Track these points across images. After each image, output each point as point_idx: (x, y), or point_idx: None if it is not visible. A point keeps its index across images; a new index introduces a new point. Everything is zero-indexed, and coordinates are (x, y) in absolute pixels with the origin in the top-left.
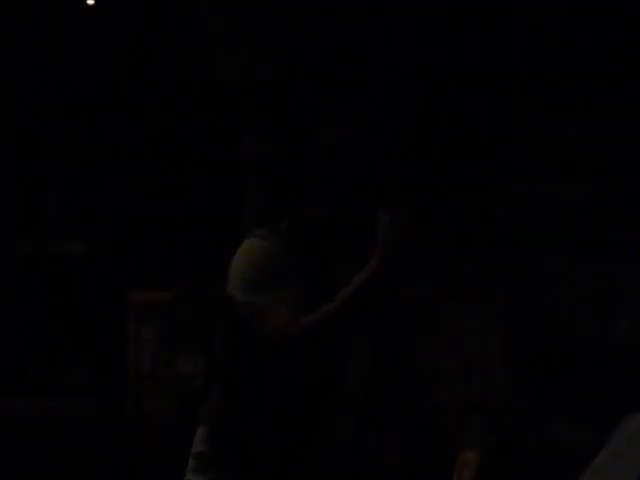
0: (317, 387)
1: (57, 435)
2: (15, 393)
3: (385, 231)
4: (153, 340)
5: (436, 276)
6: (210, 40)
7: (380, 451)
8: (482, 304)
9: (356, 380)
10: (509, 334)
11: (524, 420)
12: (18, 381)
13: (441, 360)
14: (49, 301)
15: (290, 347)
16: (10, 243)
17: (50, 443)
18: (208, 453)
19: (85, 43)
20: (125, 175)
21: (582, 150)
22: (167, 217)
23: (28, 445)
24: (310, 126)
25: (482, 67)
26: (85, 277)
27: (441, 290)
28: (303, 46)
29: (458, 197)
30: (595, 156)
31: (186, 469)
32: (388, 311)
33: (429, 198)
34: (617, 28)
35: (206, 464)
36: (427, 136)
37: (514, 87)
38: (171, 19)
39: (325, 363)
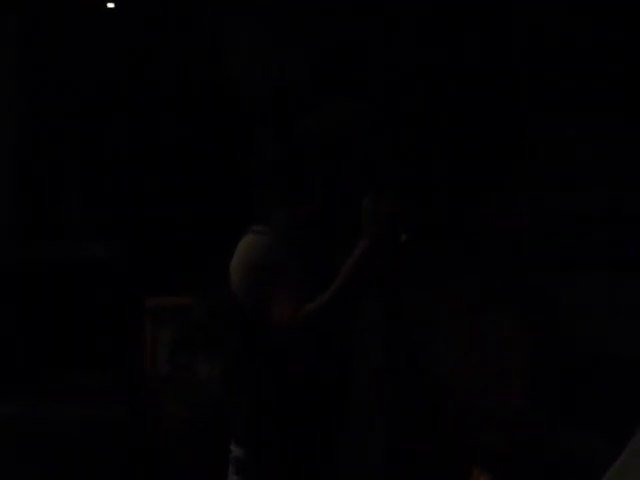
0: (329, 384)
1: (73, 438)
2: (32, 397)
3: (369, 213)
4: (170, 344)
5: (454, 287)
6: (225, 44)
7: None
8: (501, 315)
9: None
10: (528, 345)
11: (542, 431)
12: (34, 385)
13: (460, 367)
14: (66, 304)
15: (293, 338)
16: (29, 246)
17: (66, 446)
18: (240, 456)
19: (101, 49)
20: (144, 179)
21: (598, 161)
22: (185, 221)
23: (44, 449)
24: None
25: (497, 76)
26: (103, 281)
27: (460, 300)
28: (307, 48)
29: (476, 206)
30: (611, 167)
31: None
32: (397, 314)
33: (444, 209)
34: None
35: (239, 466)
36: (438, 146)
37: (527, 96)
38: (185, 24)
39: (334, 360)
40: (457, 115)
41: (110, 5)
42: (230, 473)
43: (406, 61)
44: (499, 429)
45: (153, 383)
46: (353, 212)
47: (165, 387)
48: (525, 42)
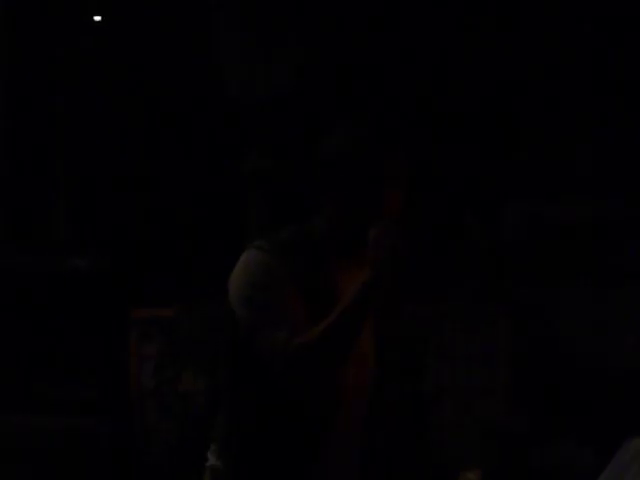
0: (314, 407)
1: (59, 452)
2: (16, 409)
3: (374, 245)
4: (155, 356)
5: (440, 296)
6: (221, 55)
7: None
8: (489, 326)
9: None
10: (516, 357)
11: (527, 440)
12: (19, 397)
13: (445, 380)
14: (51, 317)
15: (287, 367)
16: (13, 259)
17: (52, 460)
18: (222, 467)
19: (94, 59)
20: (128, 191)
21: (587, 171)
22: (169, 233)
23: (30, 462)
24: (312, 139)
25: (489, 86)
26: (87, 293)
27: (445, 310)
28: (309, 60)
29: (463, 216)
30: (600, 177)
31: None
32: (390, 328)
33: (433, 217)
34: (621, 51)
35: (216, 477)
36: (431, 155)
37: (522, 106)
38: (182, 34)
39: (322, 386)
40: (444, 130)
41: (97, 18)
42: None
43: (412, 77)
44: (484, 441)
45: (138, 396)
46: (361, 236)
47: (150, 400)
48: (516, 54)
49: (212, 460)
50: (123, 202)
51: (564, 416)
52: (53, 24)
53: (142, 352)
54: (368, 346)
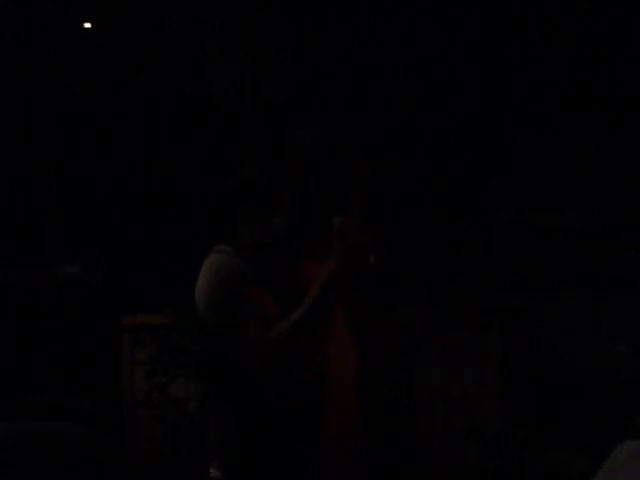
0: (301, 404)
1: (51, 460)
2: (9, 417)
3: (338, 234)
4: (147, 363)
5: (434, 304)
6: (210, 65)
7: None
8: (480, 332)
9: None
10: (507, 362)
11: (522, 448)
12: (12, 405)
13: (439, 388)
14: (43, 325)
15: (261, 365)
16: (4, 268)
17: (44, 468)
18: (219, 477)
19: (83, 68)
20: (119, 200)
21: (580, 179)
22: (161, 241)
23: (22, 469)
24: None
25: (482, 94)
26: (79, 301)
27: (439, 318)
28: (302, 68)
29: (455, 224)
30: (594, 185)
31: None
32: (376, 334)
33: (426, 225)
34: (618, 61)
35: None
36: (424, 165)
37: (512, 113)
38: (170, 43)
39: (305, 380)
40: (437, 133)
41: (87, 25)
42: None
43: (403, 84)
44: (478, 447)
45: (130, 403)
46: (326, 231)
47: (143, 407)
48: (525, 72)
49: (214, 471)
50: (114, 211)
51: (556, 422)
52: (46, 32)
53: (134, 359)
54: (345, 330)
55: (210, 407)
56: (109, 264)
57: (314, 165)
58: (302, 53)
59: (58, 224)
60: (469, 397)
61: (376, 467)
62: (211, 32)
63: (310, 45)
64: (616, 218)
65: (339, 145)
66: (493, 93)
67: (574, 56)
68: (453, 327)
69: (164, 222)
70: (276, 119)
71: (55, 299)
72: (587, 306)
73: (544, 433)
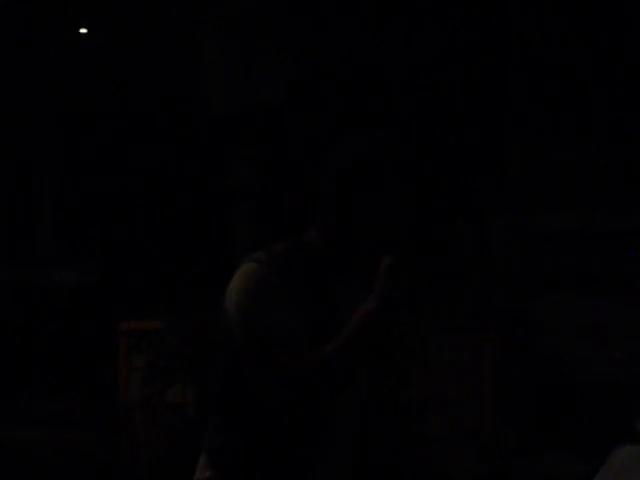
0: (312, 419)
1: (49, 465)
2: (6, 423)
3: (385, 276)
4: (144, 368)
5: (430, 308)
6: (205, 69)
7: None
8: (475, 336)
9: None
10: (503, 366)
11: (518, 452)
12: (9, 411)
13: (434, 391)
14: (41, 331)
15: (289, 389)
16: (1, 273)
17: (42, 473)
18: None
19: (80, 72)
20: (115, 206)
21: (581, 184)
22: (158, 247)
23: (19, 475)
24: (313, 151)
25: (478, 102)
26: (76, 307)
27: (435, 322)
28: (300, 74)
29: (453, 227)
30: (594, 190)
31: None
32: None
33: (424, 230)
34: (609, 68)
35: None
36: (422, 168)
37: (509, 121)
38: (166, 49)
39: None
40: (435, 136)
41: (83, 30)
42: None
43: (403, 92)
44: (473, 451)
45: (127, 407)
46: (362, 254)
47: (139, 411)
48: (522, 81)
49: (199, 474)
50: (110, 217)
51: (552, 427)
52: (41, 37)
53: (130, 364)
54: None
55: (209, 411)
56: (105, 269)
57: (362, 191)
58: (300, 53)
59: (54, 229)
60: (465, 401)
61: (373, 468)
62: (208, 34)
63: (309, 45)
64: (614, 222)
65: (389, 171)
66: (492, 96)
67: (569, 62)
68: (450, 331)
69: (160, 226)
70: (274, 119)
71: (51, 303)
72: (585, 311)
73: (541, 437)
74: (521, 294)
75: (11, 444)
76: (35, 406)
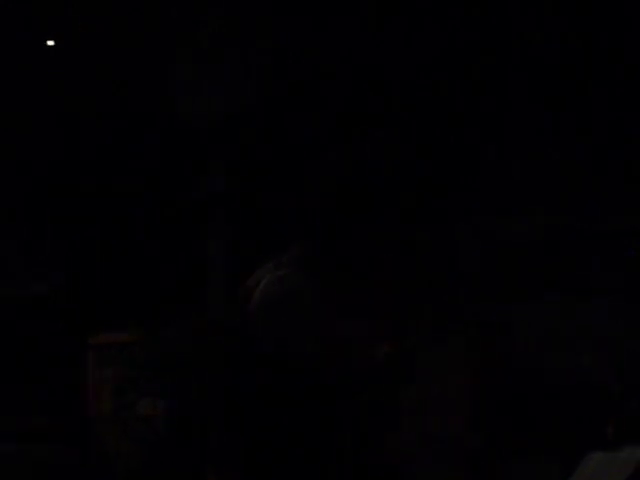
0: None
1: (17, 477)
2: None
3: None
4: (114, 381)
5: (399, 313)
6: (175, 78)
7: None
8: (445, 342)
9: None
10: (475, 373)
11: (492, 458)
12: None
13: (405, 396)
14: (8, 344)
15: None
16: None
17: None
18: None
19: (47, 84)
20: (84, 217)
21: (546, 186)
22: (127, 259)
23: None
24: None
25: (448, 106)
26: (44, 319)
27: (404, 326)
28: (271, 81)
29: (420, 233)
30: (559, 192)
31: None
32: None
33: (392, 235)
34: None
35: None
36: (392, 176)
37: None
38: (136, 59)
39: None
40: (398, 147)
41: (50, 42)
42: None
43: (373, 97)
44: (445, 458)
45: (97, 420)
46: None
47: (109, 424)
48: (496, 83)
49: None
50: (79, 229)
51: (523, 433)
52: (7, 48)
53: (101, 377)
54: None
55: (177, 423)
56: (74, 283)
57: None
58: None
59: (23, 241)
60: (438, 408)
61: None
62: (176, 45)
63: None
64: (584, 225)
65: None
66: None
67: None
68: (422, 338)
69: (130, 239)
70: (243, 130)
71: (19, 316)
72: (556, 317)
73: (512, 444)
74: (492, 301)
75: None
76: (3, 420)
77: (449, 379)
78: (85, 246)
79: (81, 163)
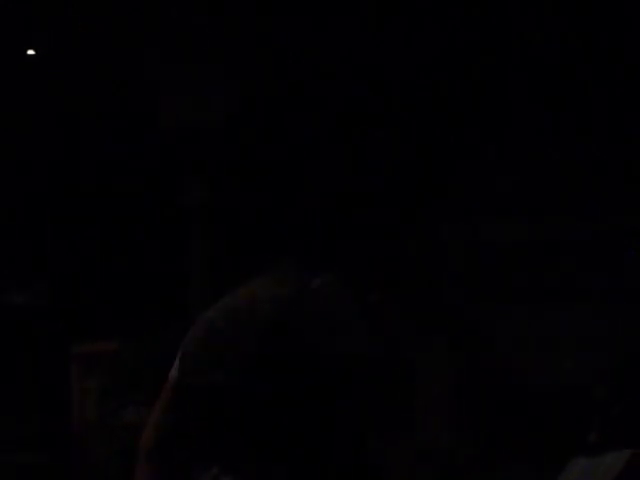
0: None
1: None
2: None
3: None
4: (97, 390)
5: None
6: (155, 87)
7: None
8: (427, 349)
9: None
10: (457, 377)
11: (473, 464)
12: None
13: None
14: None
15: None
16: None
17: None
18: None
19: (26, 93)
20: (66, 227)
21: (525, 195)
22: (110, 268)
23: None
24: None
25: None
26: (27, 329)
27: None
28: (251, 92)
29: (405, 238)
30: (541, 201)
31: None
32: None
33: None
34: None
35: None
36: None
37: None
38: (116, 67)
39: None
40: (383, 151)
41: (30, 52)
42: None
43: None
44: (428, 465)
45: (81, 430)
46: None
47: (93, 433)
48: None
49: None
50: (61, 237)
51: (505, 439)
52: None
53: (84, 386)
54: None
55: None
56: (58, 292)
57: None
58: (249, 72)
59: (5, 249)
60: (419, 413)
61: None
62: (157, 53)
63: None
64: (567, 232)
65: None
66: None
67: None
68: (404, 342)
69: (114, 248)
70: (226, 137)
71: (2, 326)
72: (537, 321)
73: (495, 450)
74: (474, 305)
75: None
76: None
77: (432, 381)
78: (67, 255)
79: (63, 170)
